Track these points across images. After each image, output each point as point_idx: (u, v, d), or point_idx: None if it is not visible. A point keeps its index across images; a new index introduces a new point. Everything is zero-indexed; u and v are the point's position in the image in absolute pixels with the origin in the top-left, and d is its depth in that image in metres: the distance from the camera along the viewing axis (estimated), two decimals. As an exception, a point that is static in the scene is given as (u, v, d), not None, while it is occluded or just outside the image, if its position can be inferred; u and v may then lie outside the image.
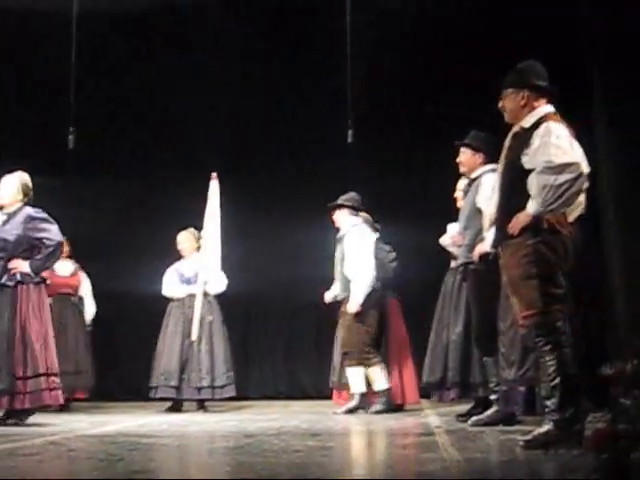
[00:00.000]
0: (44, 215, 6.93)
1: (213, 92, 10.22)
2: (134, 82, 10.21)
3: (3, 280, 6.72)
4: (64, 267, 9.11)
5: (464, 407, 6.99)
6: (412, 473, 3.82)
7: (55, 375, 6.73)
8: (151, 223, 9.90)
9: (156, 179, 10.25)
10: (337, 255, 8.27)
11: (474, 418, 6.15)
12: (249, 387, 10.39)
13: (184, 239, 8.90)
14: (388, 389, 7.93)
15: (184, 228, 8.89)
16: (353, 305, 7.89)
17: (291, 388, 10.73)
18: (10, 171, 7.06)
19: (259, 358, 10.87)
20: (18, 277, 6.72)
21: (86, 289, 9.27)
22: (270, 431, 5.90)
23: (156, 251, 9.20)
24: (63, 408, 8.72)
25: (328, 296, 8.35)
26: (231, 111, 10.35)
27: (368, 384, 7.96)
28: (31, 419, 6.66)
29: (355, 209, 8.24)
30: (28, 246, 6.84)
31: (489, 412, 6.14)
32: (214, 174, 8.75)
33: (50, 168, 10.08)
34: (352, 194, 8.29)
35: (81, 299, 9.20)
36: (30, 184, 7.02)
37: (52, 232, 6.86)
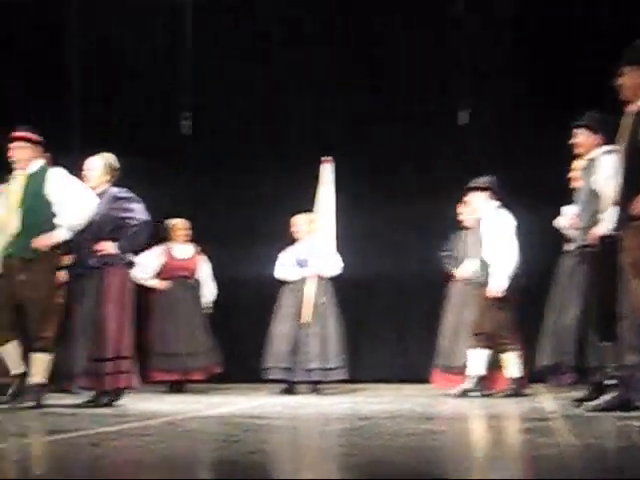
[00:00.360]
0: (128, 194, 6.89)
1: (322, 75, 10.29)
2: (250, 69, 10.33)
3: (90, 262, 6.69)
4: (183, 250, 9.27)
5: (580, 392, 6.88)
6: (527, 458, 3.78)
7: (127, 359, 6.71)
8: (264, 207, 10.01)
9: (271, 163, 10.36)
10: (469, 237, 8.30)
11: (590, 403, 6.04)
12: (362, 370, 10.40)
13: (298, 222, 8.98)
14: (520, 377, 7.87)
15: (299, 212, 8.96)
16: (496, 289, 7.79)
17: (405, 371, 10.68)
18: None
19: (372, 341, 10.85)
20: (105, 259, 6.68)
21: (205, 272, 9.38)
22: (384, 414, 5.89)
23: (270, 236, 9.29)
24: (180, 389, 8.95)
25: (462, 272, 8.40)
26: (344, 93, 10.39)
27: (489, 368, 7.92)
28: (134, 400, 6.79)
29: (494, 193, 8.12)
30: (114, 227, 6.77)
31: (606, 397, 6.00)
32: (327, 158, 8.79)
33: (166, 154, 10.32)
34: (491, 178, 8.16)
35: (197, 282, 9.32)
36: (115, 164, 6.97)
37: (137, 211, 6.82)
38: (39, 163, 6.60)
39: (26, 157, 6.55)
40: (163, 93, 10.42)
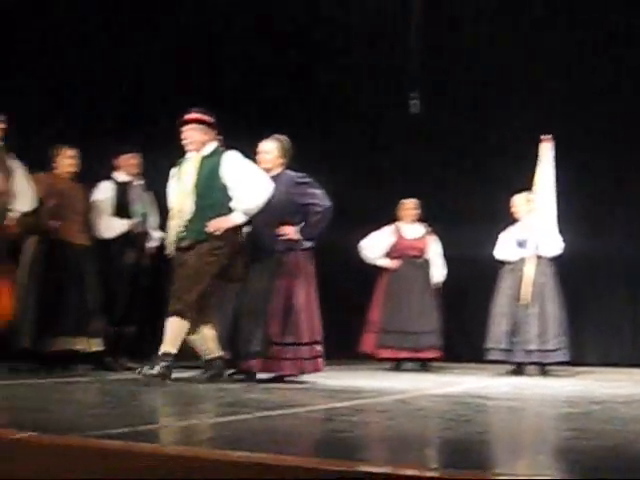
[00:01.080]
0: (309, 179, 6.83)
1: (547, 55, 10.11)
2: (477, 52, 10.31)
3: (271, 246, 6.65)
4: (413, 230, 9.36)
5: None
6: None
7: (319, 343, 6.72)
8: (486, 187, 9.95)
9: (491, 143, 10.30)
10: None
11: None
12: (586, 353, 10.17)
13: (517, 202, 8.88)
14: None
15: (518, 191, 8.84)
16: None
17: (635, 355, 10.36)
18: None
19: (596, 323, 10.57)
20: (288, 244, 6.67)
21: (435, 252, 9.42)
22: (618, 398, 5.74)
23: (490, 216, 9.23)
24: (403, 367, 9.09)
25: None
26: (565, 73, 10.19)
27: None
28: (364, 377, 6.87)
29: None
30: (295, 212, 6.75)
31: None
32: (547, 137, 8.61)
33: (395, 133, 10.42)
34: None
35: (427, 261, 9.37)
36: (289, 147, 6.88)
37: (320, 197, 6.76)
38: (213, 146, 6.50)
39: (199, 139, 6.44)
40: (391, 72, 10.53)
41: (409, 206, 9.42)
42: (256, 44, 10.63)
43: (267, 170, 6.72)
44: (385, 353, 9.17)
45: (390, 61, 10.63)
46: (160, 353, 6.04)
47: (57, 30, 9.08)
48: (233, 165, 6.38)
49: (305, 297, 6.69)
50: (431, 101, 10.26)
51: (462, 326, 10.04)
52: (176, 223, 6.44)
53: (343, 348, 9.12)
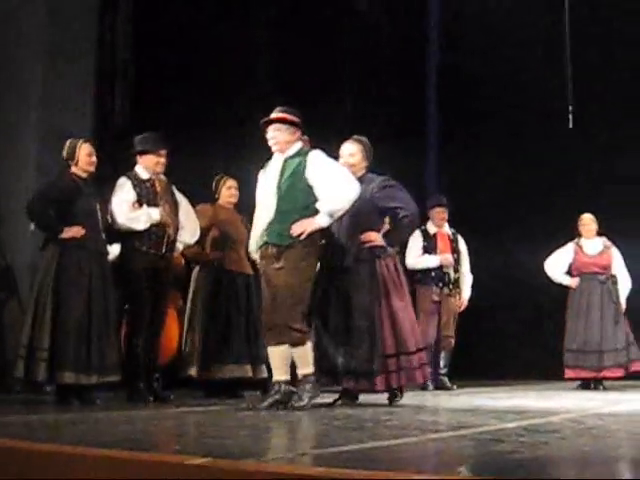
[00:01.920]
0: (395, 182, 6.54)
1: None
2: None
3: (355, 253, 6.34)
4: (593, 245, 9.23)
5: None
6: None
7: (423, 351, 6.49)
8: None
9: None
10: None
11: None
12: None
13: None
14: None
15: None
16: None
17: None
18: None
19: None
20: (375, 250, 6.34)
21: (618, 266, 9.23)
22: None
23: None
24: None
25: None
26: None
27: None
28: (533, 397, 6.76)
29: None
30: (378, 216, 6.48)
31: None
32: None
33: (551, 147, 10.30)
34: None
35: (610, 277, 9.18)
36: (371, 149, 6.61)
37: (407, 201, 6.45)
38: (297, 146, 6.21)
39: (284, 140, 6.16)
40: (546, 86, 10.44)
41: (586, 221, 9.27)
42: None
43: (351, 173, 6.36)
44: (570, 373, 9.05)
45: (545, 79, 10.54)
46: (300, 377, 5.96)
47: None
48: (318, 165, 6.09)
49: (403, 304, 6.42)
50: (587, 115, 10.08)
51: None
52: (260, 228, 6.19)
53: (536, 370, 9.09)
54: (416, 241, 9.03)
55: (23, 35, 8.27)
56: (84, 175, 6.84)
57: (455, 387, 8.92)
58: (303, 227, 5.96)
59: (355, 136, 6.64)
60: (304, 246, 5.97)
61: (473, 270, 9.24)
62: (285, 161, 6.16)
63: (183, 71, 8.92)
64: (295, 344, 5.93)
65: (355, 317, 6.28)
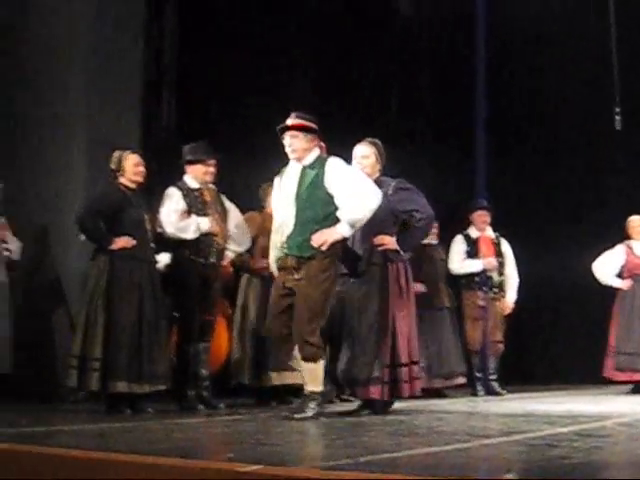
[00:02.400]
0: (410, 185, 6.30)
1: None
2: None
3: (368, 257, 6.11)
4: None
5: None
6: None
7: (417, 364, 6.23)
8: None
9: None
10: None
11: None
12: None
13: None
14: None
15: None
16: None
17: None
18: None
19: None
20: (388, 255, 6.10)
21: None
22: None
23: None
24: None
25: None
26: None
27: None
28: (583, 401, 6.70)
29: None
30: (393, 220, 6.21)
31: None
32: None
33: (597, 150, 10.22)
34: None
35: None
36: (383, 151, 6.37)
37: (422, 204, 6.21)
38: (315, 153, 6.02)
39: (301, 147, 5.97)
40: (593, 87, 10.36)
41: (636, 223, 9.20)
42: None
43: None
44: (621, 376, 8.98)
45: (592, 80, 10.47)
46: (307, 393, 5.80)
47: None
48: (337, 173, 5.89)
49: (405, 312, 6.12)
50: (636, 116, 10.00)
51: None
52: (278, 238, 6.03)
53: (588, 373, 9.04)
54: (459, 246, 8.98)
55: (69, 46, 8.36)
56: (132, 186, 6.89)
57: (506, 392, 8.85)
58: (324, 237, 5.79)
59: (369, 138, 6.41)
60: (325, 257, 5.81)
61: (520, 274, 9.16)
62: (303, 169, 5.99)
63: (231, 80, 8.96)
64: (307, 359, 5.78)
65: (363, 326, 6.06)
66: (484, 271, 8.92)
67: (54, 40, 8.40)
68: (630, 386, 9.04)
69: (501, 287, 8.99)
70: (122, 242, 6.69)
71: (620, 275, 9.20)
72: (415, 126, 10.96)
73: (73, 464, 3.59)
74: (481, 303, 8.90)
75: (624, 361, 8.93)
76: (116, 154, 6.92)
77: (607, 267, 9.18)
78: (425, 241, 7.72)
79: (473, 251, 8.98)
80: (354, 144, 6.38)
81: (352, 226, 5.86)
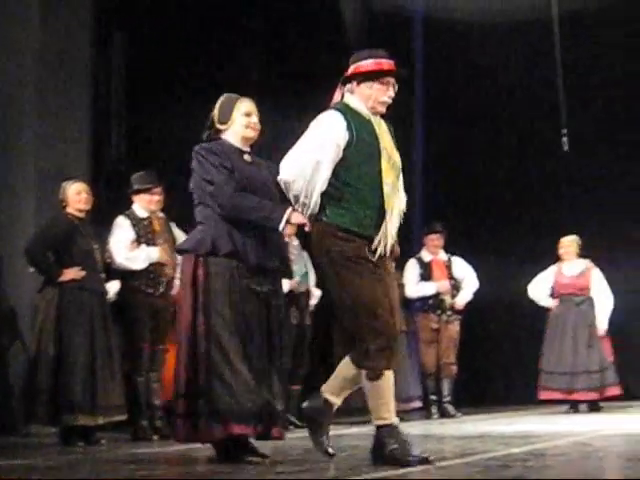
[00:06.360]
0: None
1: None
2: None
3: None
4: (573, 267, 9.28)
5: None
6: None
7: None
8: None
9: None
10: None
11: None
12: None
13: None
14: None
15: None
16: None
17: None
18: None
19: None
20: None
21: (598, 288, 9.26)
22: None
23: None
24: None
25: None
26: None
27: None
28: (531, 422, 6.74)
29: None
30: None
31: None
32: None
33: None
34: None
35: (588, 299, 9.24)
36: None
37: None
38: None
39: None
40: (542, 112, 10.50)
41: (564, 244, 9.32)
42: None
43: None
44: (542, 394, 9.10)
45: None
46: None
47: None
48: None
49: None
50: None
51: (632, 363, 9.78)
52: (394, 226, 4.61)
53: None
54: (413, 270, 9.03)
55: (16, 74, 8.30)
56: (80, 215, 6.84)
57: (460, 414, 8.88)
58: None
59: None
60: None
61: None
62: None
63: (179, 108, 8.95)
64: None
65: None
66: (437, 294, 8.96)
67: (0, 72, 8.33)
68: (566, 405, 9.12)
69: (453, 310, 9.04)
70: (71, 274, 6.64)
71: (552, 295, 9.32)
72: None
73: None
74: (434, 326, 8.94)
75: (543, 379, 9.07)
76: (63, 184, 6.88)
77: (539, 288, 9.31)
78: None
79: (426, 274, 9.02)
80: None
81: None
